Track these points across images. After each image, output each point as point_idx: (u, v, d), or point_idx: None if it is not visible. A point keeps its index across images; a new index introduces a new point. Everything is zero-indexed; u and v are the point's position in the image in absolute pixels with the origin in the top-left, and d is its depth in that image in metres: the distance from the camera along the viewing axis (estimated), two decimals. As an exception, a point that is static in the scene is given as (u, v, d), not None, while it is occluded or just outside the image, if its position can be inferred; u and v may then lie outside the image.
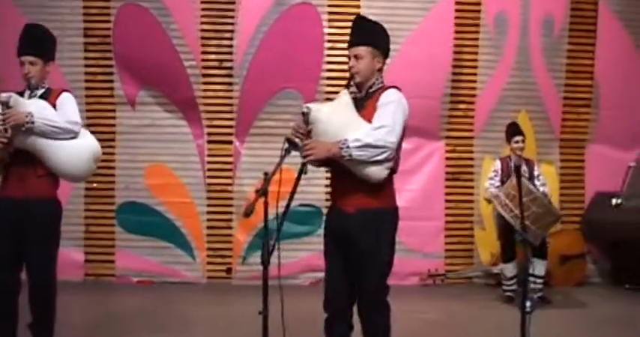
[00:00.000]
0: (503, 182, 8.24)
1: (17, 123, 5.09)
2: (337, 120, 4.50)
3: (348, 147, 4.39)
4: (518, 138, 8.41)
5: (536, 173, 8.40)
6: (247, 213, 4.07)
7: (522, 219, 4.85)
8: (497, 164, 8.53)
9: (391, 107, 4.55)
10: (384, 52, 4.75)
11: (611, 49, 9.74)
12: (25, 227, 5.33)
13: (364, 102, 4.62)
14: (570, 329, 7.37)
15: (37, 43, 5.51)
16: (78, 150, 5.42)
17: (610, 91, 9.77)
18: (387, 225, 4.70)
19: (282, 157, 4.38)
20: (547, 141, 9.57)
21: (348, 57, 4.73)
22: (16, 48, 5.49)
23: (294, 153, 4.48)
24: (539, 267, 8.30)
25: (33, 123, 5.13)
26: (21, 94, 5.38)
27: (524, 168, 8.33)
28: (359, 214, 4.57)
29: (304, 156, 4.43)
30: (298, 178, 4.38)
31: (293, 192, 4.31)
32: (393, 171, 4.66)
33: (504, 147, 9.35)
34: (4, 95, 5.15)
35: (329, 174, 4.91)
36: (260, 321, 4.15)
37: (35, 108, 5.23)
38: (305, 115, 4.47)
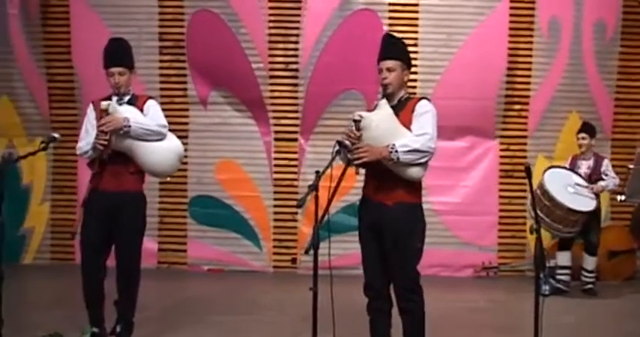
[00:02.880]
0: None
1: (116, 128, 5.67)
2: (384, 127, 4.98)
3: (396, 151, 4.89)
4: (579, 135, 8.79)
5: (602, 169, 8.70)
6: (299, 205, 4.66)
7: (535, 211, 5.32)
8: (569, 160, 8.91)
9: (428, 116, 5.08)
10: (409, 66, 5.27)
11: (662, 52, 9.85)
12: (118, 216, 5.90)
13: (398, 111, 5.09)
14: (610, 320, 7.75)
15: (124, 55, 6.05)
16: (166, 151, 6.00)
17: (660, 92, 9.89)
18: (419, 217, 5.20)
19: (333, 158, 4.89)
20: (599, 141, 9.48)
21: (380, 70, 5.19)
22: (103, 60, 6.01)
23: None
24: (589, 262, 8.74)
25: (130, 126, 5.70)
26: (108, 100, 5.90)
27: (590, 163, 8.73)
28: (397, 207, 5.08)
29: (357, 158, 4.94)
30: (342, 176, 4.78)
31: (336, 189, 4.71)
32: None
33: (557, 145, 9.72)
34: (104, 103, 5.72)
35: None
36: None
37: (130, 114, 5.79)
38: (357, 122, 4.93)
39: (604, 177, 8.66)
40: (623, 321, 7.58)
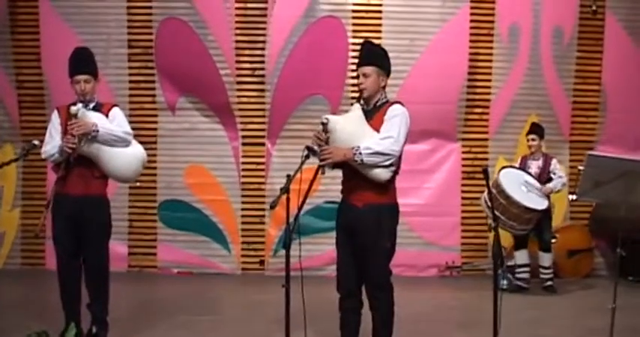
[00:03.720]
0: None
1: (85, 131, 5.81)
2: (350, 130, 5.18)
3: (360, 153, 5.08)
4: (529, 136, 9.09)
5: (551, 168, 8.99)
6: (272, 206, 4.75)
7: (493, 210, 5.56)
8: (519, 160, 9.21)
9: (397, 120, 5.24)
10: (387, 72, 5.45)
11: (617, 56, 10.14)
12: (84, 221, 6.06)
13: (372, 115, 5.29)
14: (569, 315, 8.02)
15: (88, 63, 6.19)
16: (130, 157, 6.17)
17: (616, 95, 10.15)
18: (389, 218, 5.37)
19: (302, 162, 5.05)
20: (557, 143, 9.99)
21: (357, 76, 5.41)
22: (68, 69, 6.15)
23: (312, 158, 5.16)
24: (544, 259, 9.01)
25: (98, 131, 5.85)
26: (73, 105, 6.00)
27: (539, 163, 9.01)
28: (367, 208, 5.27)
29: (322, 160, 5.13)
30: (314, 178, 4.98)
31: (308, 190, 4.91)
32: (395, 172, 5.32)
33: (517, 147, 9.93)
34: (74, 108, 5.86)
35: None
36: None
37: (98, 119, 5.94)
38: (324, 125, 5.13)
39: (552, 176, 8.94)
40: (581, 317, 7.82)
